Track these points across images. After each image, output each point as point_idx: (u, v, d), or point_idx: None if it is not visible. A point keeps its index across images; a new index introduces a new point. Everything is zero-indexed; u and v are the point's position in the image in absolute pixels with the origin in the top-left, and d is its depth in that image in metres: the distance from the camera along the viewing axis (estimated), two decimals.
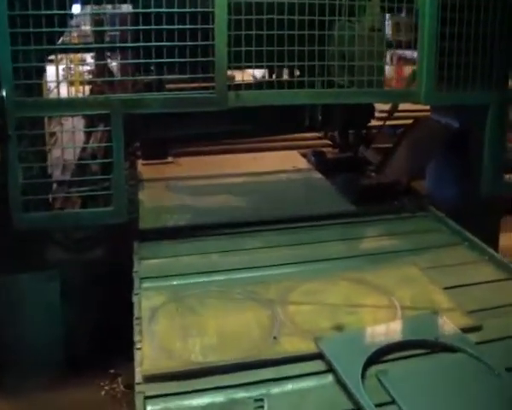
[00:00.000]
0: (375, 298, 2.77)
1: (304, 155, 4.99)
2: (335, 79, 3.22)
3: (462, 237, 3.52)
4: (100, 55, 3.53)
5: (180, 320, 2.56)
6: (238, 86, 3.06)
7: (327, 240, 3.41)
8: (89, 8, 3.03)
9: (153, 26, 2.79)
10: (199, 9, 2.85)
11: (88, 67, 5.70)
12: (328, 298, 2.77)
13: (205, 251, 3.24)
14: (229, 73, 2.99)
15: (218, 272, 3.02)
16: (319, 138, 5.50)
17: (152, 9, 2.80)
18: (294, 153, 5.05)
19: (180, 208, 3.73)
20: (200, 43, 2.86)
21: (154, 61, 2.84)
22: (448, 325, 2.55)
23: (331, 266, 3.10)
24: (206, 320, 2.56)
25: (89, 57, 4.91)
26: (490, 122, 3.59)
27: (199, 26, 2.83)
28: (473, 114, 4.03)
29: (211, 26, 2.88)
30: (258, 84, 3.04)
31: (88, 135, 4.09)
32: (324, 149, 5.01)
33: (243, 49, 2.96)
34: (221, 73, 2.94)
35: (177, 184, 4.20)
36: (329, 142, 5.29)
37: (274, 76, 3.73)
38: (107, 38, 3.26)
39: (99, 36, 3.29)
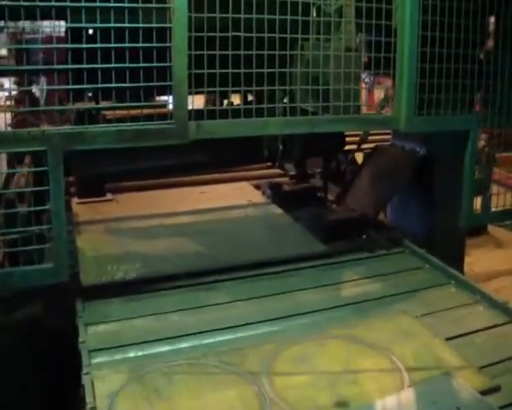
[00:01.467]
0: (373, 360, 2.36)
1: (256, 187, 4.56)
2: (309, 105, 2.82)
3: (448, 275, 3.19)
4: (24, 78, 2.95)
5: (147, 409, 2.04)
6: (199, 115, 2.59)
7: (301, 288, 2.97)
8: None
9: (93, 45, 2.29)
10: (153, 25, 2.37)
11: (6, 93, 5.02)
12: (321, 364, 2.33)
13: (161, 310, 2.72)
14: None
15: (183, 338, 2.52)
16: (268, 167, 5.09)
17: (94, 24, 2.30)
18: (245, 184, 4.61)
19: (126, 257, 3.19)
20: (147, 65, 2.38)
21: (111, 85, 2.33)
22: (466, 390, 2.17)
23: (314, 321, 2.67)
24: (179, 405, 2.06)
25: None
26: (470, 149, 3.30)
27: (146, 45, 2.36)
28: (440, 139, 3.78)
29: (168, 45, 2.41)
30: (223, 112, 2.58)
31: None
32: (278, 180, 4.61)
33: (205, 71, 2.50)
34: (180, 99, 2.46)
35: (120, 226, 3.66)
36: (281, 171, 4.88)
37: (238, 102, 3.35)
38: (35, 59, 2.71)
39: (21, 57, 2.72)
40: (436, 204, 4.17)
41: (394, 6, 2.95)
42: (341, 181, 4.14)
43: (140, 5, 2.34)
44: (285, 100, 3.03)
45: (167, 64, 2.43)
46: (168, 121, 2.47)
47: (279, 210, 4.03)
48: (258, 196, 4.32)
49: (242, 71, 2.61)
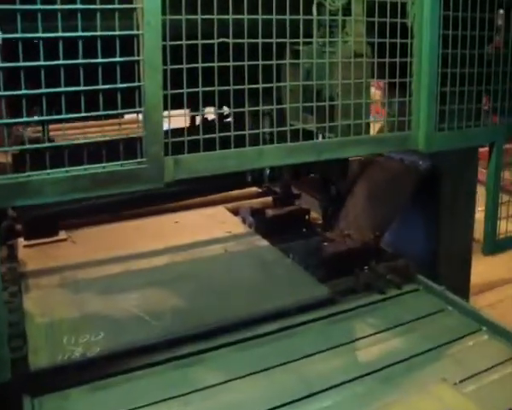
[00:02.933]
0: None
1: (233, 212, 3.95)
2: (313, 125, 2.24)
3: (476, 319, 2.67)
4: None
5: None
6: (176, 146, 1.97)
7: (308, 353, 2.39)
8: None
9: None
10: (116, 32, 1.75)
11: None
12: None
13: (135, 403, 2.08)
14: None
15: None
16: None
17: (34, 34, 1.66)
18: (221, 209, 3.99)
19: (87, 322, 2.53)
20: (107, 87, 1.75)
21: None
22: None
23: (334, 404, 2.10)
24: None
25: None
26: (494, 163, 2.79)
27: (105, 60, 1.74)
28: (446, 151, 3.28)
29: (136, 59, 1.79)
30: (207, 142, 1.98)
31: None
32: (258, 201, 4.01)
33: (185, 90, 1.91)
34: (153, 130, 1.85)
35: (77, 276, 3.00)
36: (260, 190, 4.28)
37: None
38: None
39: None
40: (441, 224, 3.68)
41: (409, 1, 2.41)
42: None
43: (96, 6, 1.71)
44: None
45: (135, 84, 1.81)
46: (138, 160, 1.85)
47: (264, 242, 3.44)
48: (238, 225, 3.71)
49: (232, 87, 2.02)
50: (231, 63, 2.00)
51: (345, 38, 2.36)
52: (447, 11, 2.43)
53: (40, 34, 1.65)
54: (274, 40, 2.09)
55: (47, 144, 1.73)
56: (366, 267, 3.18)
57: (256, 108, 2.10)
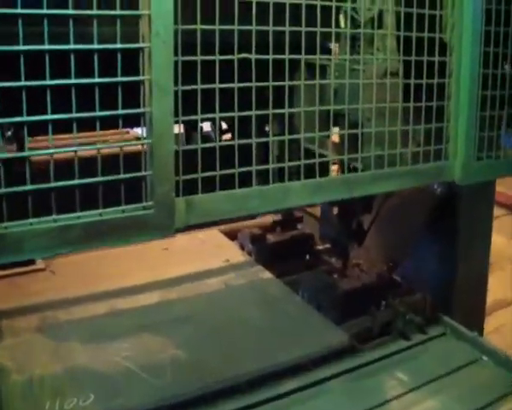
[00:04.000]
0: None
1: (228, 235, 3.60)
2: (344, 156, 1.91)
3: None
4: None
5: None
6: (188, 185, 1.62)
7: None
8: None
9: None
10: (116, 46, 1.39)
11: None
12: None
13: None
14: None
15: None
16: None
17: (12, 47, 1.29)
18: (215, 233, 3.63)
19: (74, 382, 2.16)
20: (103, 114, 1.39)
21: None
22: None
23: None
24: None
25: None
26: None
27: (102, 81, 1.37)
28: None
29: (141, 78, 1.44)
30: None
31: None
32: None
33: (199, 117, 1.56)
34: (162, 166, 1.50)
35: (59, 317, 2.61)
36: None
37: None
38: None
39: None
40: (459, 252, 3.38)
41: (447, 13, 2.10)
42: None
43: (92, 12, 1.35)
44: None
45: (139, 111, 1.46)
46: (143, 204, 1.49)
47: (267, 274, 3.09)
48: (236, 253, 3.36)
49: (254, 113, 1.68)
50: (254, 83, 1.65)
51: (377, 56, 2.04)
52: (489, 26, 2.13)
53: (20, 47, 1.28)
54: (302, 57, 1.76)
55: (29, 187, 1.36)
56: (383, 304, 2.87)
57: (276, 138, 1.76)
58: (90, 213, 1.43)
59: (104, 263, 3.14)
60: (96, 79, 1.37)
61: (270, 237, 3.40)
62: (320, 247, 3.51)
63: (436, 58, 2.08)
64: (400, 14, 2.02)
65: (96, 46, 1.36)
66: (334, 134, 1.92)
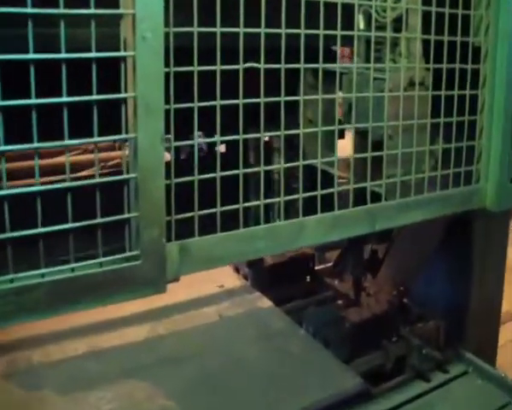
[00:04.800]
0: None
1: None
2: (367, 184, 1.61)
3: None
4: None
5: None
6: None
7: None
8: None
9: None
10: (90, 55, 1.07)
11: None
12: None
13: None
14: None
15: None
16: None
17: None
18: None
19: None
20: (73, 142, 1.07)
21: None
22: None
23: None
24: None
25: None
26: None
27: (70, 100, 1.06)
28: None
29: (123, 96, 1.12)
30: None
31: None
32: None
33: (196, 141, 1.25)
34: (151, 205, 1.18)
35: (30, 359, 2.28)
36: None
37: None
38: None
39: None
40: (472, 275, 3.11)
41: (480, 13, 1.80)
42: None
43: (59, 11, 1.03)
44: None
45: (122, 137, 1.14)
46: (127, 254, 1.18)
47: (266, 302, 2.78)
48: (230, 276, 3.04)
49: (263, 135, 1.37)
50: (262, 99, 1.35)
51: (401, 62, 1.74)
52: None
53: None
54: (320, 66, 1.45)
55: None
56: (394, 337, 2.58)
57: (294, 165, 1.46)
58: (58, 269, 1.11)
59: None
60: (64, 99, 1.05)
61: (268, 259, 3.08)
62: (322, 266, 3.21)
63: (469, 66, 1.78)
64: (423, 15, 1.72)
65: (63, 55, 1.04)
66: (354, 157, 1.61)
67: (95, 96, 1.09)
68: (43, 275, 1.09)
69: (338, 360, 2.34)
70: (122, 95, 1.12)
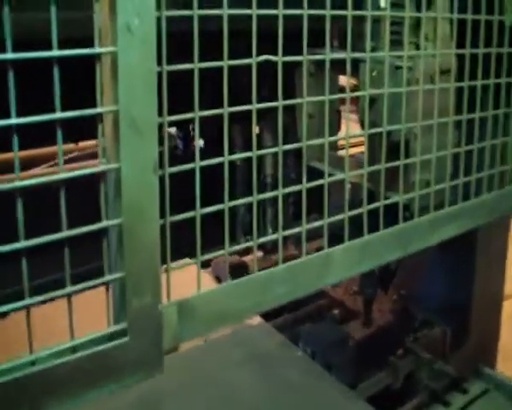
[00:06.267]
0: None
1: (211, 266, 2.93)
2: (397, 198, 1.30)
3: None
4: None
5: None
6: None
7: None
8: None
9: None
10: (53, 53, 0.72)
11: None
12: None
13: None
14: None
15: None
16: None
17: None
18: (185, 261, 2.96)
19: None
20: None
21: None
22: None
23: None
24: None
25: None
26: None
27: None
28: None
29: (98, 111, 0.78)
30: None
31: None
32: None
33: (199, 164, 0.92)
34: (143, 262, 0.85)
35: None
36: None
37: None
38: None
39: None
40: (476, 269, 2.88)
41: None
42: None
43: None
44: None
45: (98, 169, 0.80)
46: (110, 330, 0.84)
47: (256, 318, 2.47)
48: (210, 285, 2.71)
49: (281, 149, 1.05)
50: (281, 103, 1.02)
51: (427, 47, 1.44)
52: None
53: None
54: (348, 56, 1.13)
55: None
56: (400, 350, 2.32)
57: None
58: (14, 364, 0.77)
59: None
60: (12, 121, 0.70)
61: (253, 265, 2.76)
62: None
63: (505, 49, 1.49)
64: None
65: (9, 55, 0.69)
66: (384, 166, 1.29)
67: (57, 115, 0.74)
68: None
69: (343, 385, 2.05)
70: (97, 109, 0.77)
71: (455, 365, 2.23)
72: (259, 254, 2.91)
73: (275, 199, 1.09)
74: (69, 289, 0.79)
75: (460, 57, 1.45)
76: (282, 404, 1.95)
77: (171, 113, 0.86)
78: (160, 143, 0.84)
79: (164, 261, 0.92)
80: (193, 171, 0.91)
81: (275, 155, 1.06)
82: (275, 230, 1.13)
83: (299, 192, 1.10)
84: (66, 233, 0.77)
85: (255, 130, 0.99)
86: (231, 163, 0.98)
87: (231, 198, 0.99)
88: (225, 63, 0.92)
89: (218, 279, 2.77)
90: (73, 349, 0.81)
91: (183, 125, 2.49)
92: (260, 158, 2.15)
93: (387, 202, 1.26)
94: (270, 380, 2.07)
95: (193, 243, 0.97)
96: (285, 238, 1.09)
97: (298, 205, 1.19)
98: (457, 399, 2.07)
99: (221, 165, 0.95)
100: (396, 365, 2.23)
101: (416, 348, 2.32)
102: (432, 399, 2.08)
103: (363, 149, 1.28)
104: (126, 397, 1.93)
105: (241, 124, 2.33)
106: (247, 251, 1.88)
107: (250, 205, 1.05)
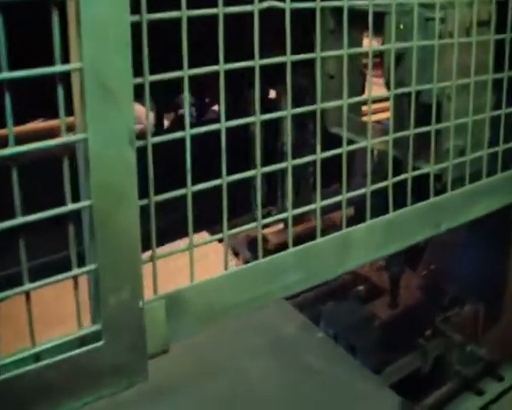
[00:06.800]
0: None
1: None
2: (429, 168, 1.14)
3: None
4: None
5: None
6: None
7: None
8: None
9: None
10: None
11: None
12: None
13: None
14: None
15: None
16: None
17: None
18: (204, 236, 2.84)
19: None
20: None
21: None
22: None
23: None
24: None
25: None
26: None
27: None
28: None
29: (57, 69, 0.63)
30: None
31: None
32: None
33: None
34: (120, 254, 0.71)
35: None
36: None
37: None
38: None
39: None
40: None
41: None
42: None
43: None
44: None
45: (62, 140, 0.65)
46: (83, 331, 0.71)
47: (286, 304, 2.33)
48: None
49: (289, 112, 0.89)
50: (288, 58, 0.86)
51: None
52: None
53: None
54: (371, 2, 0.96)
55: None
56: (429, 330, 2.17)
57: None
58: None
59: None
60: None
61: (272, 239, 2.62)
62: None
63: None
64: None
65: None
66: (413, 132, 1.12)
67: (5, 74, 0.59)
68: None
69: (367, 370, 1.91)
70: (56, 68, 0.62)
71: (488, 347, 2.08)
72: (280, 226, 2.77)
73: (294, 168, 0.94)
74: (27, 286, 0.65)
75: (500, 5, 1.26)
76: (301, 392, 1.82)
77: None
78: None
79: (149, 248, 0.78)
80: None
81: (293, 120, 0.91)
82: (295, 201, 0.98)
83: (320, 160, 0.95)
84: (20, 220, 0.63)
85: (258, 90, 0.83)
86: (248, 132, 0.84)
87: (248, 168, 0.86)
88: (220, 11, 0.76)
89: (236, 253, 2.65)
90: (36, 357, 0.67)
91: (197, 92, 2.34)
92: (277, 124, 1.99)
93: (416, 172, 1.10)
94: (287, 365, 1.94)
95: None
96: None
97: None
98: (492, 387, 1.91)
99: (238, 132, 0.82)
100: (424, 347, 2.08)
101: (446, 329, 2.17)
102: (463, 386, 1.92)
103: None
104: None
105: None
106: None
107: (267, 175, 0.91)
